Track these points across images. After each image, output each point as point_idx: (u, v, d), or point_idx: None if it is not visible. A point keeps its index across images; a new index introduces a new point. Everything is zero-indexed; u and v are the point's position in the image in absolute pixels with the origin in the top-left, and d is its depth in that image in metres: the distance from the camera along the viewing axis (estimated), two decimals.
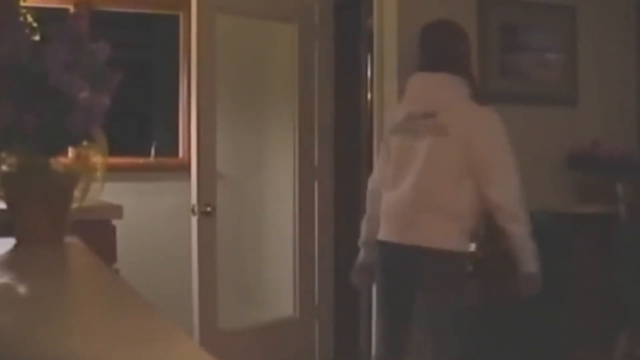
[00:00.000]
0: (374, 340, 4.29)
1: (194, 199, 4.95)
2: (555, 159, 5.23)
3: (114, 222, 3.54)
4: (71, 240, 2.36)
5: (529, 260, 3.82)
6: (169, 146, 6.17)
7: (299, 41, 5.79)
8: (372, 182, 4.19)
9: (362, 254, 4.15)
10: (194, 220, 4.95)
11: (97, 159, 2.32)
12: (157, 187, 5.93)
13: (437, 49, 3.99)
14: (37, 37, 2.17)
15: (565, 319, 4.80)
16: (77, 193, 2.33)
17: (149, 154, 6.10)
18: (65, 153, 2.33)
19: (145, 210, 5.69)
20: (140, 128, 6.51)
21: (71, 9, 5.33)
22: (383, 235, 3.97)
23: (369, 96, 5.93)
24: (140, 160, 6.02)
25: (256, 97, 5.75)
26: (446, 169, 3.80)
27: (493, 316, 4.67)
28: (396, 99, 4.80)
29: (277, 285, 5.85)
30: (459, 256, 3.88)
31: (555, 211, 4.96)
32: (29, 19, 2.35)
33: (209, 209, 4.94)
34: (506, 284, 4.25)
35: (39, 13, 2.27)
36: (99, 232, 3.27)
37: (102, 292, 1.80)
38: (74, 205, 2.33)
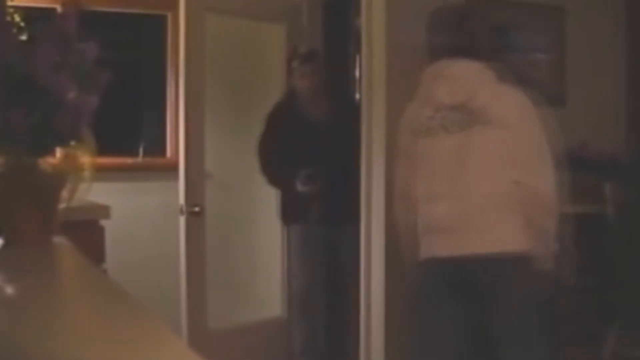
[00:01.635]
0: None
1: (182, 199, 4.94)
2: None
3: (102, 222, 3.53)
4: (59, 240, 2.35)
5: (546, 257, 3.44)
6: (157, 146, 6.16)
7: (288, 41, 5.79)
8: (400, 202, 3.84)
9: (411, 280, 3.77)
10: (182, 220, 4.94)
11: (85, 159, 2.32)
12: (145, 187, 5.91)
13: (454, 33, 3.67)
14: (24, 37, 2.16)
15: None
16: (65, 193, 2.33)
17: (137, 154, 6.09)
18: (53, 153, 2.32)
19: (134, 210, 5.68)
20: (128, 128, 6.49)
21: (59, 8, 5.33)
22: (430, 251, 3.58)
23: (357, 96, 5.93)
24: (128, 160, 6.00)
25: (245, 97, 5.74)
26: (490, 159, 3.47)
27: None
28: (384, 99, 4.80)
29: (266, 285, 5.85)
30: (526, 257, 3.45)
31: None
32: (17, 18, 2.33)
33: (197, 209, 4.93)
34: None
35: (27, 12, 2.25)
36: (87, 232, 3.26)
37: (90, 293, 1.80)
38: (62, 205, 2.32)
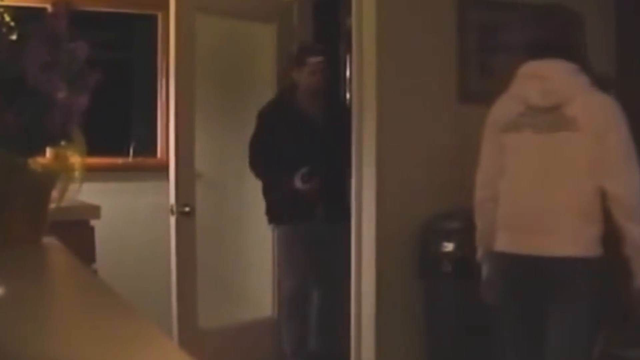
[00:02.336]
0: None
1: (172, 199, 4.94)
2: None
3: (93, 222, 3.53)
4: (49, 240, 2.35)
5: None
6: (148, 146, 6.15)
7: (278, 41, 5.79)
8: (482, 190, 3.88)
9: (485, 269, 3.85)
10: (173, 220, 4.94)
11: (75, 159, 2.31)
12: (136, 187, 5.91)
13: (553, 34, 3.69)
14: (14, 37, 2.15)
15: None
16: (55, 193, 2.32)
17: (127, 154, 6.08)
18: (43, 153, 2.32)
19: (124, 210, 5.67)
20: (119, 128, 6.49)
21: (49, 8, 5.32)
22: (505, 246, 3.66)
23: (347, 96, 5.93)
24: (119, 161, 6.00)
25: (235, 97, 5.74)
26: (576, 166, 3.50)
27: (474, 317, 4.68)
28: (375, 99, 4.81)
29: (257, 285, 5.85)
30: (595, 264, 3.50)
31: None
32: (6, 18, 2.32)
33: (187, 209, 4.92)
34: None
35: (17, 12, 2.25)
36: (78, 232, 3.26)
37: (80, 293, 1.80)
38: (52, 205, 2.31)
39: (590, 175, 3.48)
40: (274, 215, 5.56)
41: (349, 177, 5.00)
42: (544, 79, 3.56)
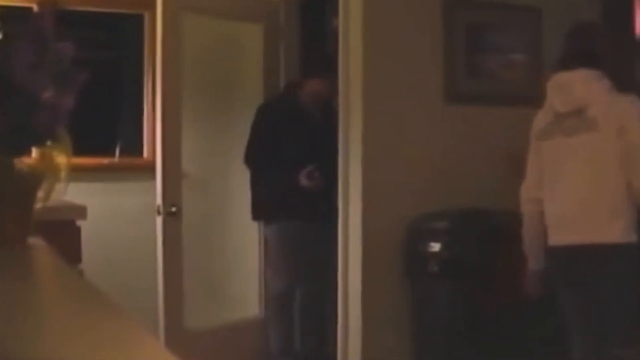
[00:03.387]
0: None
1: (159, 199, 4.93)
2: (521, 158, 5.25)
3: (79, 222, 3.51)
4: (35, 241, 2.34)
5: None
6: (134, 146, 6.14)
7: (265, 41, 5.79)
8: (526, 192, 4.25)
9: (531, 262, 4.18)
10: (159, 220, 4.94)
11: (61, 159, 2.30)
12: (122, 187, 5.89)
13: (576, 47, 4.07)
14: (0, 36, 2.15)
15: (529, 317, 4.82)
16: (41, 193, 2.31)
17: (113, 154, 6.07)
18: (29, 153, 2.31)
19: (110, 210, 5.66)
20: (105, 127, 6.48)
21: (35, 7, 5.30)
22: (554, 241, 4.01)
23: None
24: (105, 160, 5.99)
25: (222, 97, 5.73)
26: (603, 163, 3.85)
27: (460, 316, 4.69)
28: (361, 99, 4.81)
29: (243, 285, 5.85)
30: (631, 249, 3.84)
31: (520, 210, 4.98)
32: None
33: (174, 209, 4.92)
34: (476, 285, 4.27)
35: (2, 12, 2.24)
36: (63, 232, 3.25)
37: (66, 294, 1.79)
38: (38, 205, 2.31)
39: (617, 171, 3.81)
40: (263, 211, 5.54)
41: None
42: (565, 86, 3.97)
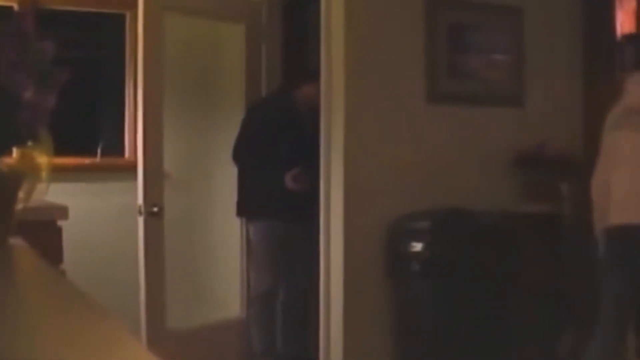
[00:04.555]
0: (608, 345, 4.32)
1: (140, 199, 4.92)
2: (502, 158, 5.27)
3: (60, 223, 3.50)
4: (16, 241, 2.33)
5: None
6: (116, 146, 6.12)
7: (247, 41, 5.79)
8: (597, 178, 4.37)
9: (601, 248, 4.32)
10: (141, 220, 4.92)
11: (43, 159, 2.29)
12: (104, 188, 5.88)
13: None
14: None
15: (511, 316, 4.84)
16: (21, 194, 2.30)
17: (95, 154, 6.05)
18: (10, 153, 2.30)
19: (92, 210, 5.64)
20: (87, 127, 6.45)
21: (15, 7, 5.28)
22: (618, 218, 4.20)
23: None
24: (86, 160, 5.97)
25: (204, 97, 5.73)
26: None
27: (442, 316, 4.70)
28: (343, 99, 4.82)
29: (225, 286, 5.84)
30: None
31: (502, 210, 5.00)
32: None
33: (155, 209, 4.91)
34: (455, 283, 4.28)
35: None
36: (45, 233, 3.24)
37: (48, 294, 1.78)
38: (19, 206, 2.30)
39: None
40: (249, 208, 5.53)
41: None
42: (637, 84, 4.29)
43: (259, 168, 5.45)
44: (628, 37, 4.65)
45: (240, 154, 5.47)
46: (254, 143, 5.42)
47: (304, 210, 5.38)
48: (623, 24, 5.59)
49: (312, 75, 5.39)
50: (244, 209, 5.57)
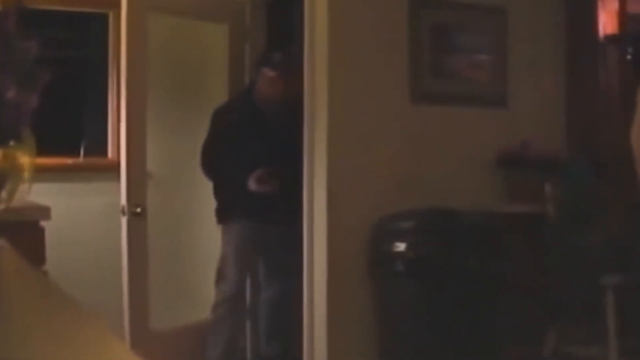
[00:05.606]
0: None
1: (123, 200, 4.91)
2: (485, 158, 5.28)
3: (42, 223, 3.49)
4: None
5: None
6: (99, 146, 6.10)
7: (230, 41, 5.78)
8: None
9: None
10: (124, 220, 4.91)
11: (25, 159, 2.28)
12: (87, 188, 5.86)
13: None
14: None
15: (495, 316, 4.85)
16: (3, 194, 2.29)
17: (78, 154, 6.03)
18: None
19: (75, 211, 5.62)
20: (70, 127, 6.43)
21: None
22: None
23: None
24: (69, 160, 5.95)
25: (187, 97, 5.72)
26: None
27: (426, 316, 4.70)
28: (327, 99, 4.82)
29: (209, 286, 5.82)
30: None
31: (485, 210, 5.01)
32: None
33: (138, 209, 4.90)
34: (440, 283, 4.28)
35: None
36: (27, 233, 3.23)
37: (30, 295, 1.78)
38: (1, 206, 2.29)
39: None
40: (224, 214, 5.46)
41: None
42: None
43: (225, 171, 5.35)
44: None
45: (208, 160, 5.37)
46: (220, 147, 5.32)
47: (271, 212, 5.29)
48: (605, 24, 5.62)
49: (270, 60, 5.36)
50: (220, 216, 5.48)
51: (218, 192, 5.46)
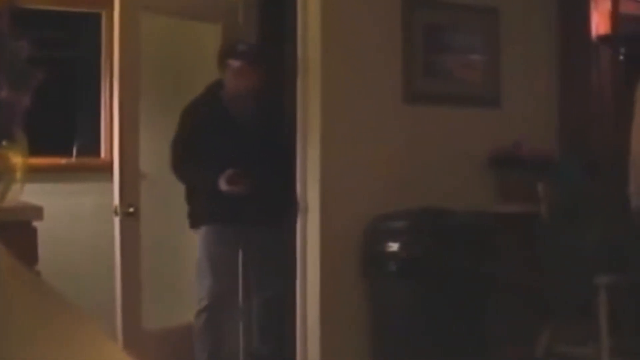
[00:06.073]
0: None
1: (116, 200, 4.90)
2: (478, 158, 5.29)
3: (35, 223, 3.48)
4: None
5: None
6: (92, 146, 6.09)
7: (223, 40, 5.77)
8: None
9: (633, 202, 4.46)
10: (117, 221, 4.90)
11: (17, 159, 2.28)
12: (79, 188, 5.85)
13: None
14: None
15: (488, 316, 4.85)
16: None
17: (70, 154, 6.02)
18: None
19: (67, 211, 5.61)
20: (62, 127, 6.42)
21: None
22: None
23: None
24: (62, 161, 5.94)
25: (180, 97, 5.70)
26: None
27: (419, 316, 4.71)
28: (320, 99, 4.82)
29: None
30: None
31: (478, 210, 5.01)
32: None
33: (131, 209, 4.89)
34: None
35: None
36: (20, 234, 3.22)
37: (23, 295, 1.77)
38: None
39: None
40: (195, 219, 5.27)
41: (281, 179, 4.98)
42: None
43: (194, 173, 5.17)
44: None
45: (175, 161, 5.15)
46: (186, 150, 5.11)
47: (247, 213, 5.07)
48: (598, 24, 5.63)
49: (234, 51, 5.18)
50: (192, 220, 5.30)
51: (189, 195, 5.28)
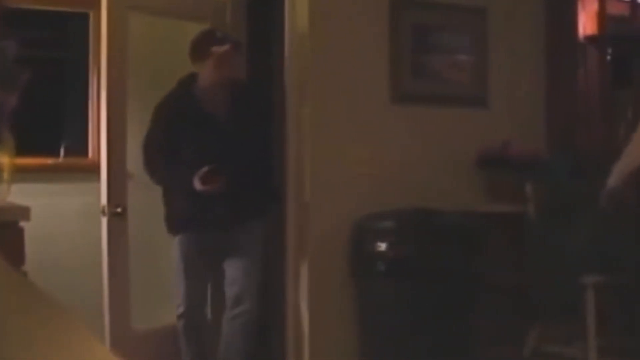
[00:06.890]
0: None
1: (103, 200, 4.89)
2: (466, 158, 5.30)
3: (22, 224, 3.47)
4: None
5: None
6: (79, 146, 6.08)
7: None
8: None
9: (610, 182, 4.56)
10: (104, 221, 4.89)
11: (4, 160, 2.28)
12: (67, 188, 5.84)
13: None
14: None
15: (476, 316, 4.86)
16: None
17: (58, 154, 6.00)
18: None
19: (54, 211, 5.60)
20: (50, 127, 6.40)
21: None
22: None
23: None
24: (49, 161, 5.92)
25: None
26: None
27: (407, 316, 4.71)
28: (308, 99, 4.82)
29: None
30: None
31: (466, 210, 5.02)
32: None
33: (119, 209, 4.88)
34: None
35: None
36: (6, 234, 3.21)
37: (9, 295, 1.77)
38: None
39: None
40: (170, 223, 5.04)
41: (259, 174, 4.86)
42: None
43: (170, 175, 4.94)
44: None
45: (150, 165, 4.94)
46: (159, 150, 4.89)
47: (217, 217, 4.83)
48: (585, 25, 5.65)
49: (214, 38, 4.95)
50: (169, 225, 5.05)
51: (165, 196, 5.06)
